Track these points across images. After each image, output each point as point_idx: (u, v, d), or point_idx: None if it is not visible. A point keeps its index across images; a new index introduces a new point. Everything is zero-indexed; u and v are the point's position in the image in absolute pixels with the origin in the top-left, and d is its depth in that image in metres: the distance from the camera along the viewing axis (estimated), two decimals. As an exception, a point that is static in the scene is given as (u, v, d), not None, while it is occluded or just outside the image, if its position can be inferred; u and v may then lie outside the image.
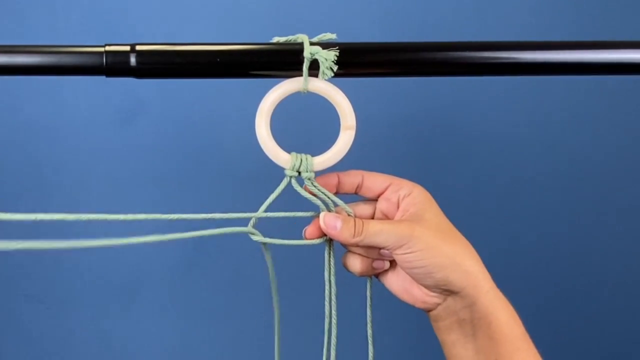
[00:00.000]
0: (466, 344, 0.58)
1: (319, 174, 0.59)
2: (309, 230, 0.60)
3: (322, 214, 0.59)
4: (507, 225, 1.05)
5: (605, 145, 1.04)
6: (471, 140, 1.03)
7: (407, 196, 0.59)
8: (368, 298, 0.64)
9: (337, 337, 0.63)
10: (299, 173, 0.58)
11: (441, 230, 0.57)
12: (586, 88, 1.02)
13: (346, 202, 0.61)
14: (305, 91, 0.57)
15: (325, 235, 0.60)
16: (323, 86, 0.57)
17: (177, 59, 0.56)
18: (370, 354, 0.64)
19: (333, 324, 0.62)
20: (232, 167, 1.01)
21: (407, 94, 1.01)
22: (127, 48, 0.55)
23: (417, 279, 0.58)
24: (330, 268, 0.62)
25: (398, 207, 0.60)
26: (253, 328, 1.04)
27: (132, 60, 0.54)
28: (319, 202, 0.60)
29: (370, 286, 0.64)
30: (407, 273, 0.58)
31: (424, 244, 0.56)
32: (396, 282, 0.61)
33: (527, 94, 1.02)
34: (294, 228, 0.62)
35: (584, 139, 1.03)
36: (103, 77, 0.55)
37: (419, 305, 0.60)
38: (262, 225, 0.61)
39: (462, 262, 0.56)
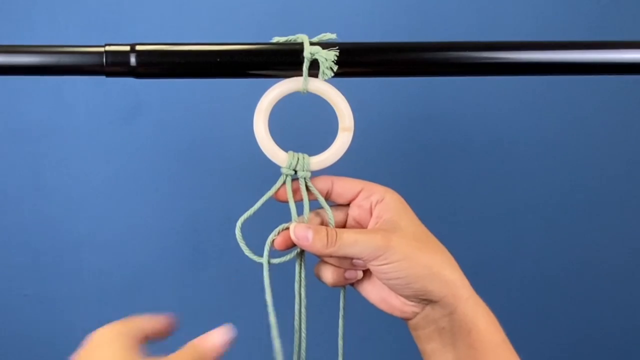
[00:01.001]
0: (445, 353, 0.56)
1: (316, 174, 0.59)
2: (278, 240, 0.57)
3: (292, 225, 0.57)
4: (507, 223, 1.05)
5: (606, 146, 1.04)
6: (471, 141, 1.03)
7: (379, 202, 0.57)
8: (341, 309, 0.62)
9: (316, 348, 0.60)
10: (295, 172, 0.58)
11: (418, 239, 0.55)
12: (587, 88, 1.02)
13: (314, 208, 0.59)
14: (305, 91, 0.57)
15: (295, 246, 0.58)
16: (322, 87, 0.57)
17: (177, 59, 0.55)
18: None
19: (303, 338, 0.60)
20: (231, 166, 1.01)
21: (406, 95, 1.01)
22: (127, 48, 0.55)
23: (395, 289, 0.56)
24: (300, 280, 0.59)
25: (371, 214, 0.58)
26: (253, 328, 1.04)
27: (132, 60, 0.54)
28: (292, 208, 0.58)
29: (344, 297, 0.61)
30: (384, 283, 0.57)
31: (401, 254, 0.54)
32: (372, 291, 0.59)
33: (527, 94, 1.02)
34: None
35: (586, 140, 1.03)
36: (103, 77, 0.55)
37: (397, 314, 0.58)
38: (259, 228, 0.60)
39: (440, 272, 0.55)
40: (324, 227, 0.56)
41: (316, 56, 0.55)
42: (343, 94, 0.57)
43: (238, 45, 0.56)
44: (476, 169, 1.03)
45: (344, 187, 0.58)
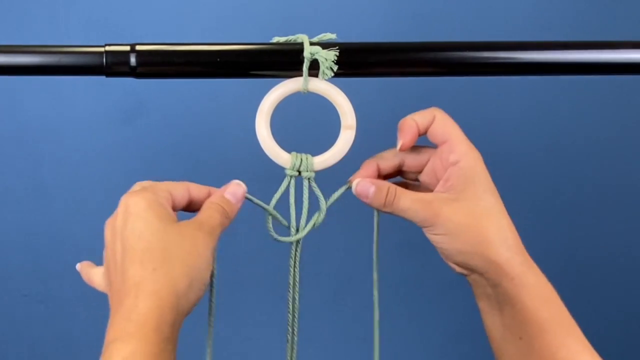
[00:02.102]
0: (493, 317, 0.57)
1: (319, 173, 0.59)
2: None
3: (355, 181, 0.58)
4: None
5: (607, 145, 1.04)
6: (471, 139, 1.02)
7: (453, 164, 0.57)
8: (374, 241, 0.62)
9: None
10: (299, 172, 0.58)
11: (471, 214, 0.56)
12: (588, 88, 1.02)
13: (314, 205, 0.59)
14: (306, 91, 0.57)
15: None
16: (323, 86, 0.57)
17: (177, 59, 0.56)
18: (376, 318, 0.63)
19: (295, 342, 0.61)
20: (232, 167, 1.01)
21: (407, 93, 1.01)
22: (127, 48, 0.55)
23: (442, 255, 0.58)
24: (294, 273, 0.60)
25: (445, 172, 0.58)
26: (253, 327, 1.04)
27: (132, 60, 0.55)
28: (292, 209, 0.59)
29: (378, 216, 0.61)
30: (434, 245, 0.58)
31: (445, 229, 0.56)
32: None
33: (528, 94, 1.02)
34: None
35: (586, 139, 1.03)
36: (103, 77, 0.55)
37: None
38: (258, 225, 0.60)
39: (485, 251, 0.55)
40: (386, 186, 0.57)
41: (316, 56, 0.55)
42: (343, 92, 0.58)
43: (238, 45, 0.56)
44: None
45: (436, 131, 0.59)
